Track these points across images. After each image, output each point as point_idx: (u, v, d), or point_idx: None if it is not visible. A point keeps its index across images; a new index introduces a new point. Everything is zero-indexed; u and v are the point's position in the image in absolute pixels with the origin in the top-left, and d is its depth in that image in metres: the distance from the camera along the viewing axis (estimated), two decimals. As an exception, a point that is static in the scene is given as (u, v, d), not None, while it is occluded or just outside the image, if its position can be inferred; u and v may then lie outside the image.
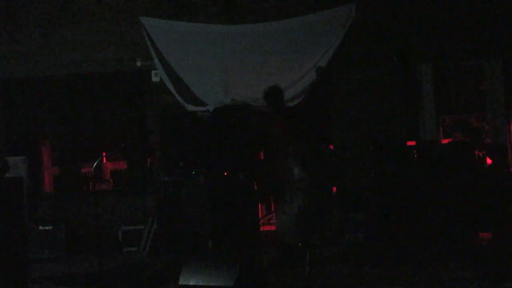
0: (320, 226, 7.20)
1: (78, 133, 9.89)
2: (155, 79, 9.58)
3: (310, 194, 7.19)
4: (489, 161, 9.42)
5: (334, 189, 9.49)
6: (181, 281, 5.82)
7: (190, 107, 9.33)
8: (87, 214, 9.16)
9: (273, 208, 9.29)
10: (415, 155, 8.88)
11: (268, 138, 7.72)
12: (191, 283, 5.72)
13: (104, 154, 9.80)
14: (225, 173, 8.77)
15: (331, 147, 8.90)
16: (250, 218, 8.64)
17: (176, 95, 9.39)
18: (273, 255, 7.79)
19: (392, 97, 9.39)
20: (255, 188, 8.95)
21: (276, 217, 7.83)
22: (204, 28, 9.41)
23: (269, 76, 9.06)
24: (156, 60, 9.39)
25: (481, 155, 9.58)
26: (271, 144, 7.66)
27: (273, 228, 9.63)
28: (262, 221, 9.71)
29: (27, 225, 7.08)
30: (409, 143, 9.25)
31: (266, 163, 8.09)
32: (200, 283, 5.69)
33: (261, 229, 9.13)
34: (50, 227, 8.76)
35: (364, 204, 8.84)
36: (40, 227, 8.74)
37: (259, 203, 9.39)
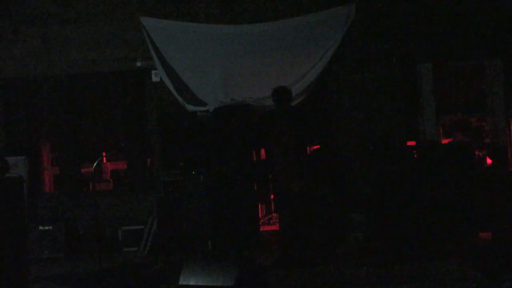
0: (319, 228, 7.23)
1: (78, 133, 9.89)
2: (155, 79, 9.58)
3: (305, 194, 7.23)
4: (489, 161, 9.42)
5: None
6: (181, 281, 5.82)
7: (190, 107, 9.32)
8: (87, 214, 9.15)
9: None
10: (415, 155, 8.88)
11: (268, 138, 7.72)
12: (191, 283, 5.73)
13: (104, 154, 9.80)
14: (225, 173, 8.76)
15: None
16: (250, 218, 8.64)
17: (176, 95, 9.39)
18: (273, 255, 7.79)
19: (392, 97, 9.39)
20: (255, 188, 8.95)
21: (279, 218, 7.84)
22: (204, 28, 9.41)
23: (269, 76, 9.05)
24: (156, 60, 9.38)
25: (481, 155, 9.58)
26: (270, 144, 7.66)
27: (273, 228, 9.66)
28: (262, 221, 9.71)
29: (27, 225, 7.08)
30: (409, 143, 9.25)
31: (266, 163, 8.11)
32: (200, 283, 5.69)
33: (261, 229, 9.13)
34: (50, 227, 8.75)
35: (364, 204, 8.84)
36: (40, 227, 8.73)
37: (259, 203, 9.39)
